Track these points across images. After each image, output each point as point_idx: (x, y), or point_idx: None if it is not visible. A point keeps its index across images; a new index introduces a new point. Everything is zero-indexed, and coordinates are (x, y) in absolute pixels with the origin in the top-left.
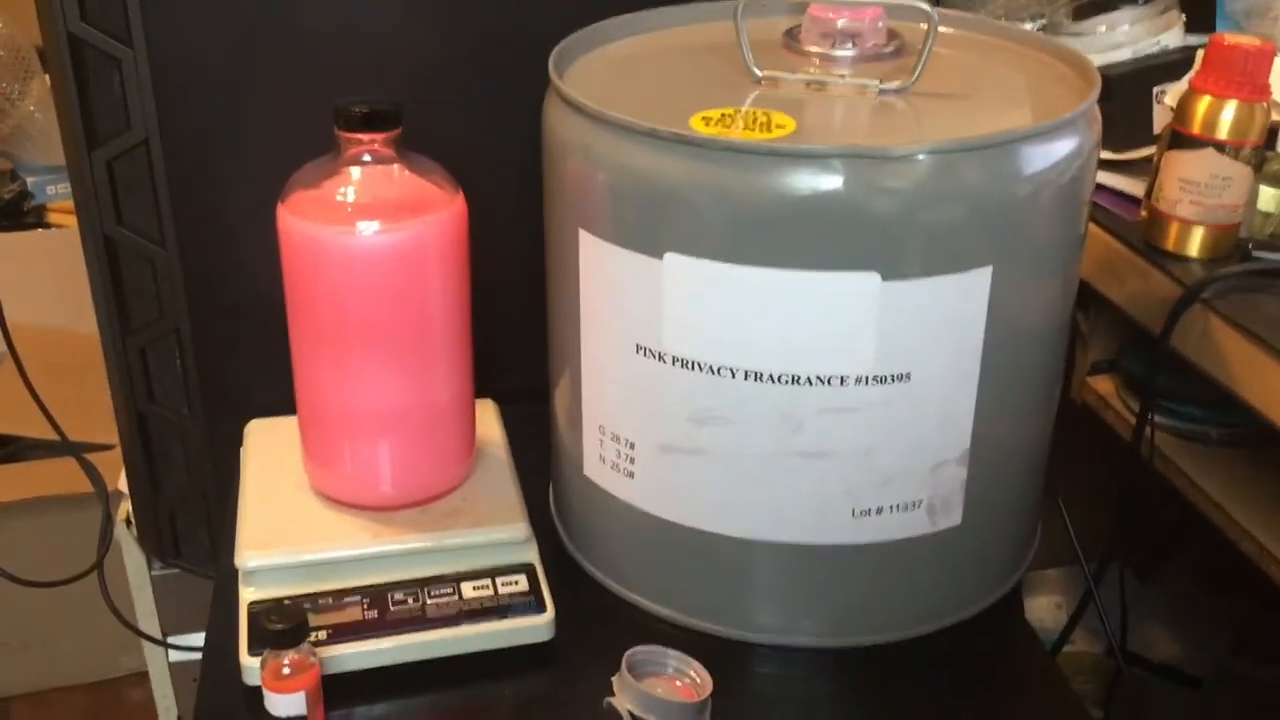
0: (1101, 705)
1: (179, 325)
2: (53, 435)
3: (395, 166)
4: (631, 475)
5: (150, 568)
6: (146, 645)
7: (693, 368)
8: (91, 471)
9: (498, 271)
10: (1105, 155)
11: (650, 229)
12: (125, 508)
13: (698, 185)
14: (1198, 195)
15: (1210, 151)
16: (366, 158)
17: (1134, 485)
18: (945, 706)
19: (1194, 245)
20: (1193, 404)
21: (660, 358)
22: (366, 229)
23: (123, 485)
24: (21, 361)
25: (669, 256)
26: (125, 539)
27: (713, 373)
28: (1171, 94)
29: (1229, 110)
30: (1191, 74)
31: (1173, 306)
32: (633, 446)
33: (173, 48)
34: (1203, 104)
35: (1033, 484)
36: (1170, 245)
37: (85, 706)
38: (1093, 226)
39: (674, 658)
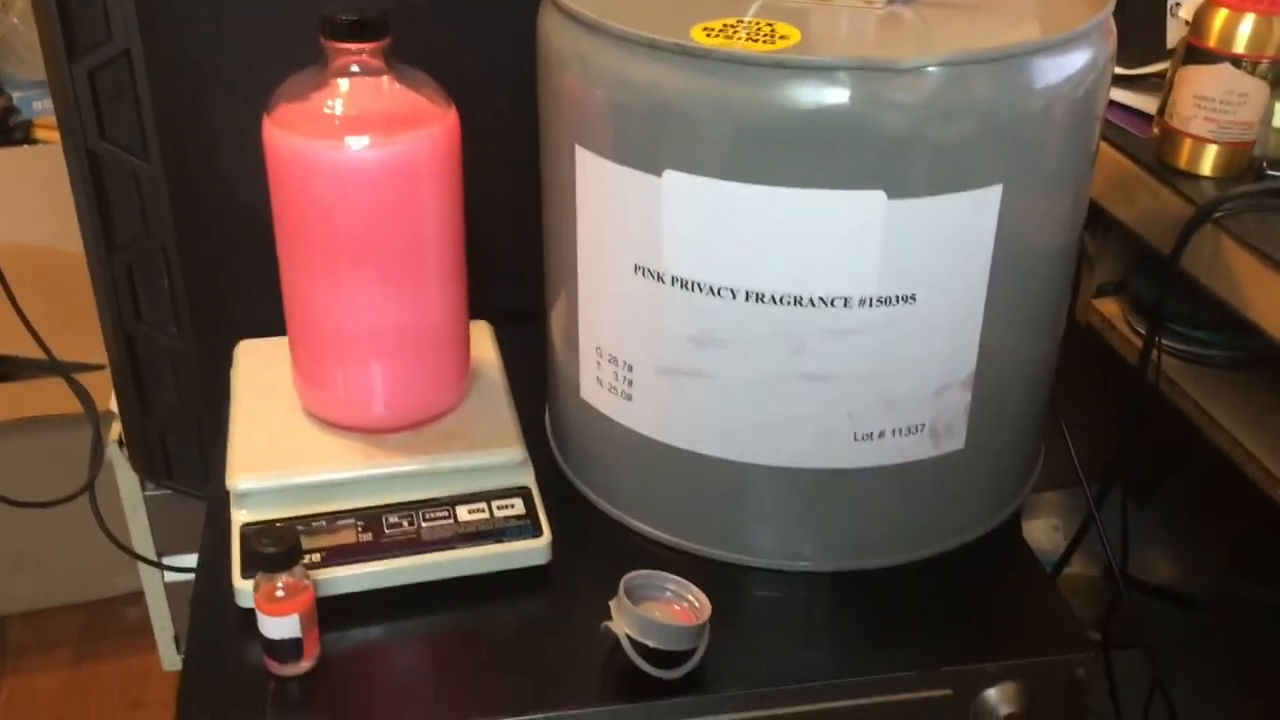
0: (1099, 628)
1: (165, 243)
2: (43, 355)
3: (384, 78)
4: (629, 398)
5: (144, 488)
6: (142, 565)
7: (692, 288)
8: (81, 392)
9: (491, 189)
10: (1118, 70)
11: (649, 145)
12: (117, 428)
13: (698, 99)
14: (1212, 112)
15: (1226, 66)
16: (355, 69)
17: (1138, 408)
18: (945, 630)
19: (1207, 163)
20: (1200, 326)
21: (659, 278)
22: (355, 144)
23: (114, 406)
24: (8, 281)
25: (668, 174)
26: (117, 459)
27: (713, 293)
28: (1187, 6)
29: (1247, 23)
30: None
31: (1184, 226)
32: (631, 368)
33: None
34: (1219, 17)
35: (1036, 407)
36: (1182, 163)
37: (81, 626)
38: (1103, 144)
39: (672, 582)
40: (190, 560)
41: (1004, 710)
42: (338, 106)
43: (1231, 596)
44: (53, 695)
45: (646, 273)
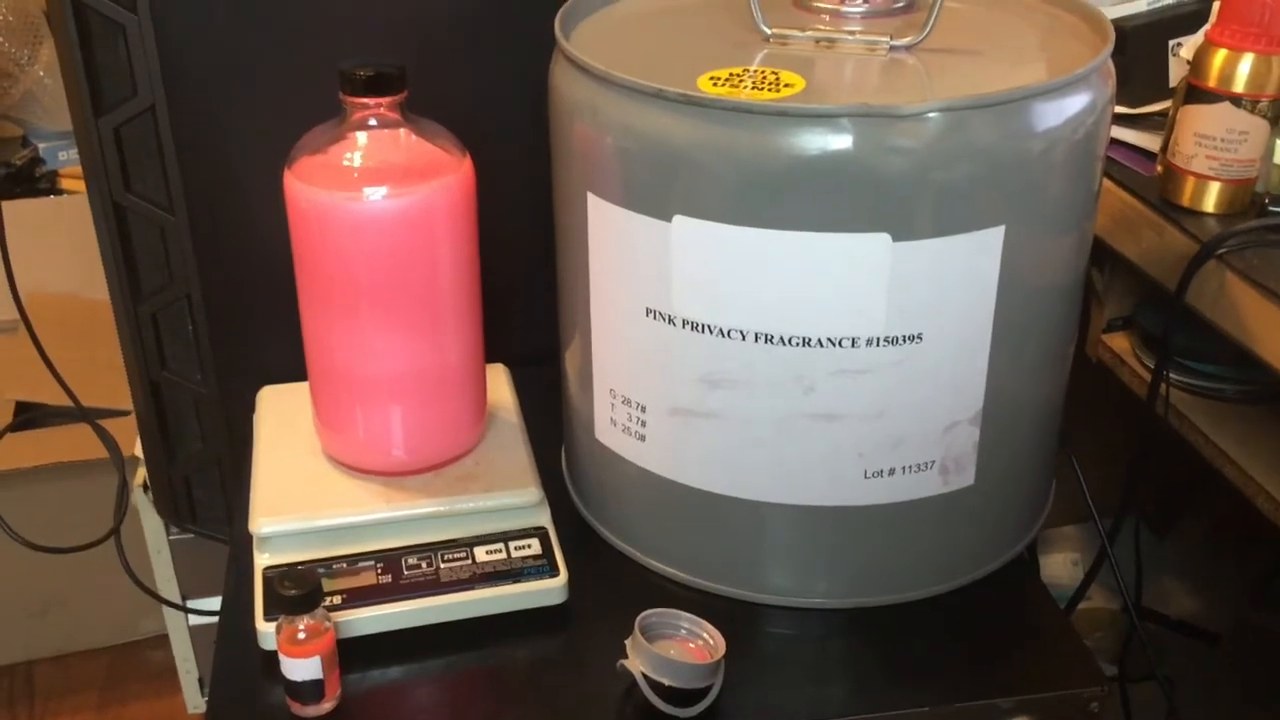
0: (1117, 661)
1: (190, 292)
2: (69, 402)
3: (402, 130)
4: (643, 438)
5: (168, 532)
6: (166, 609)
7: (703, 330)
8: (106, 438)
9: (507, 235)
10: (1120, 110)
11: (658, 191)
12: (142, 473)
13: (706, 146)
14: (1214, 150)
15: (1226, 105)
16: (372, 122)
17: (1149, 442)
18: (959, 666)
19: (1210, 201)
20: (1209, 361)
21: (670, 320)
22: (374, 194)
23: (139, 451)
24: (35, 329)
25: (678, 219)
26: (143, 504)
27: (723, 335)
28: (1187, 47)
29: (1246, 63)
30: (1208, 26)
31: (1188, 263)
32: (644, 409)
33: (176, 12)
34: (1219, 57)
35: (1046, 443)
36: (1186, 201)
37: (107, 669)
38: (1107, 182)
39: (686, 620)
40: (214, 603)
41: None
42: (356, 159)
43: (1249, 629)
44: None
45: (657, 315)
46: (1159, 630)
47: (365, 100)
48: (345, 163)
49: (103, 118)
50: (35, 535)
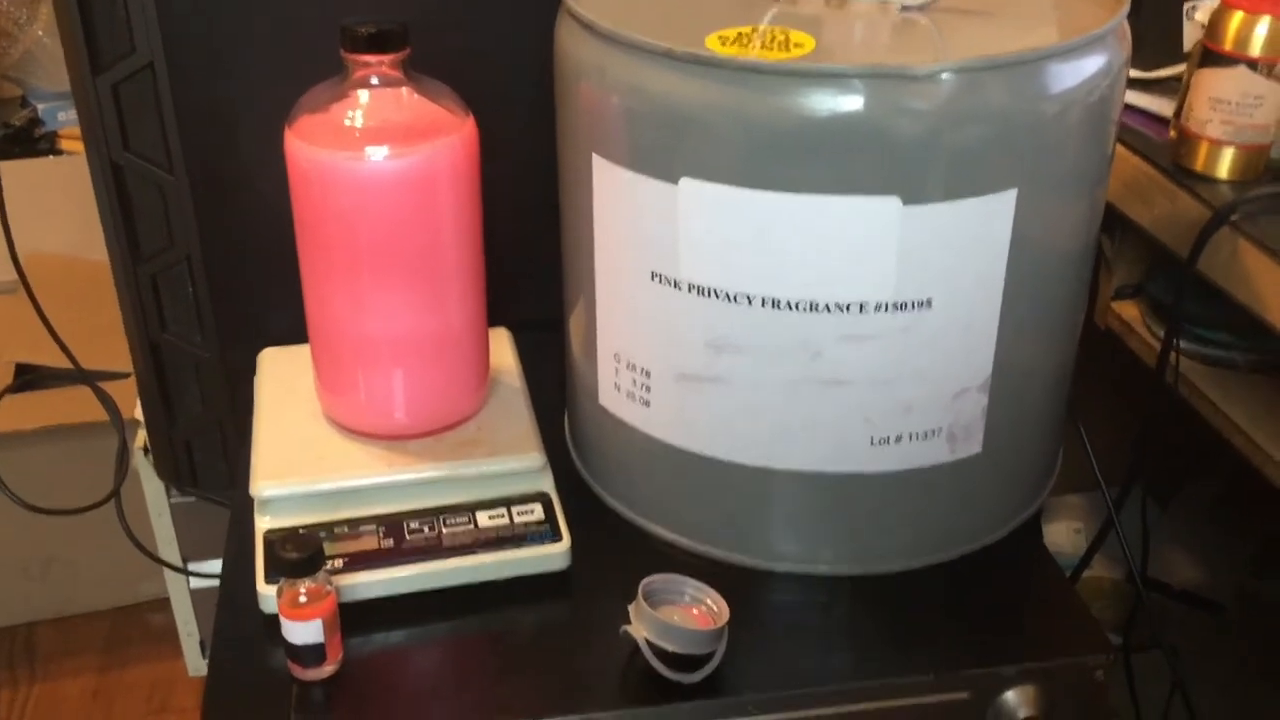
0: (1119, 630)
1: (189, 253)
2: (69, 364)
3: (404, 89)
4: (647, 404)
5: (169, 495)
6: (167, 571)
7: (709, 295)
8: (107, 401)
9: (510, 197)
10: (1134, 74)
11: (665, 153)
12: (143, 436)
13: (714, 107)
14: (1228, 114)
15: (1242, 69)
16: (374, 80)
17: (1157, 411)
18: (964, 633)
19: (1224, 166)
20: (1219, 329)
21: (676, 285)
22: (375, 154)
23: (139, 414)
24: (34, 291)
25: (684, 181)
26: (144, 467)
27: (729, 300)
28: (1203, 10)
29: (1262, 26)
30: None
31: (1200, 229)
32: (648, 375)
33: None
34: (1235, 20)
35: (1054, 411)
36: (1199, 166)
37: (108, 631)
38: (1119, 147)
39: (690, 586)
40: (215, 566)
41: (1022, 713)
42: (358, 118)
43: (1254, 599)
44: (80, 701)
45: (663, 280)
46: (1163, 600)
47: (367, 58)
48: (347, 122)
49: (100, 75)
50: (35, 497)
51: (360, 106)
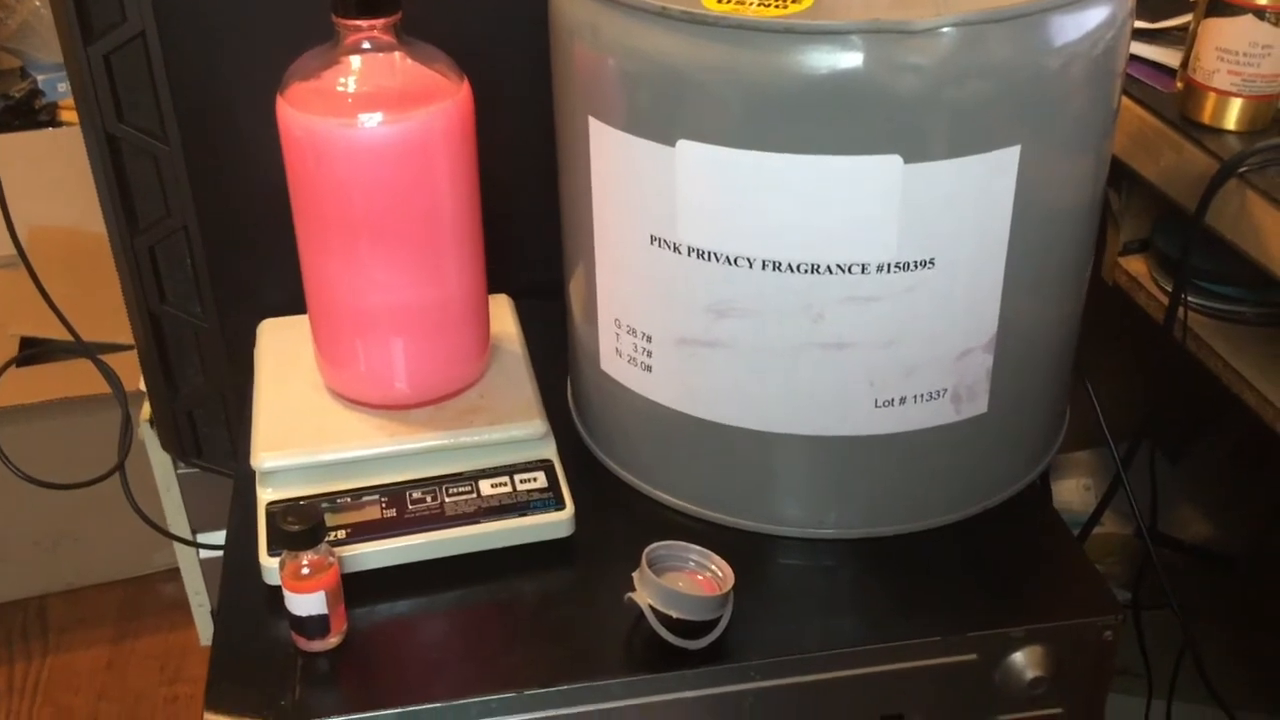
0: (1130, 587)
1: (186, 223)
2: (70, 337)
3: (396, 54)
4: (649, 369)
5: (176, 467)
6: (176, 542)
7: (709, 258)
8: (109, 373)
9: (507, 162)
10: (1139, 24)
11: (662, 115)
12: (147, 408)
13: (710, 67)
14: (1236, 65)
15: (1249, 18)
16: (366, 45)
17: (1165, 366)
18: (971, 595)
19: (1231, 118)
20: (1228, 283)
21: (676, 249)
22: (369, 121)
23: (143, 386)
24: (35, 264)
25: (682, 143)
26: (149, 439)
27: (730, 263)
28: None
29: None
30: None
31: (1208, 182)
32: (650, 340)
33: None
34: None
35: (1060, 369)
36: (1206, 118)
37: (119, 602)
38: (1125, 100)
39: (695, 552)
40: (223, 537)
41: (1030, 674)
42: (350, 84)
43: (1265, 554)
44: (94, 671)
45: (663, 244)
46: (1173, 556)
47: (358, 22)
48: (339, 88)
49: (92, 45)
50: (41, 471)
51: (353, 72)
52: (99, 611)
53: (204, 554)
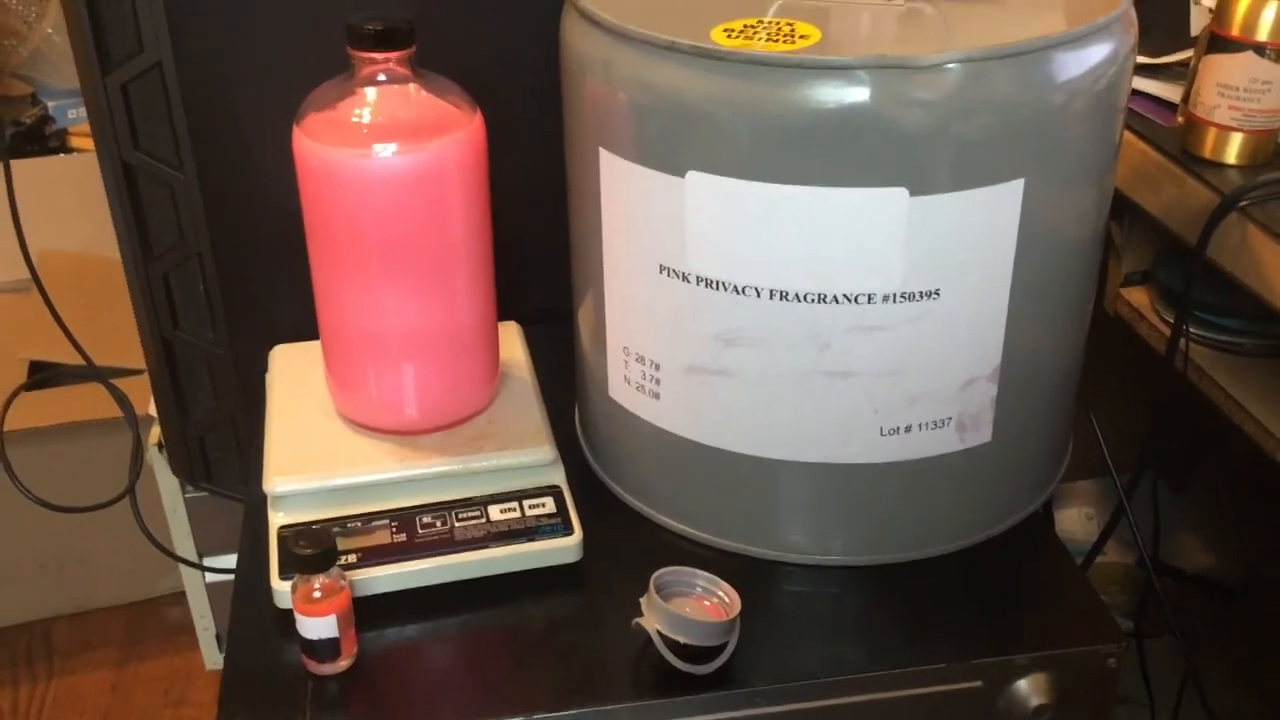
0: (1131, 615)
1: (200, 250)
2: (82, 361)
3: (411, 86)
4: (657, 396)
5: (184, 491)
6: (184, 566)
7: (717, 288)
8: (120, 397)
9: (518, 192)
10: (1141, 60)
11: (672, 147)
12: (157, 432)
13: (720, 100)
14: (1236, 100)
15: (1250, 54)
16: (381, 77)
17: (1167, 397)
18: (975, 622)
19: (1232, 152)
20: (1229, 315)
21: (684, 278)
22: (383, 151)
23: (153, 410)
24: (46, 288)
25: (691, 175)
26: (158, 462)
27: (738, 292)
28: None
29: (1270, 11)
30: None
31: (1209, 215)
32: (658, 368)
33: None
34: (1242, 5)
35: (1064, 399)
36: (1207, 152)
37: (125, 626)
38: (1127, 134)
39: (702, 578)
40: (231, 561)
41: (1034, 701)
42: (365, 115)
43: (1266, 582)
44: (98, 695)
45: (671, 273)
46: (1175, 585)
47: (374, 55)
48: (354, 119)
49: (109, 75)
50: (51, 494)
51: (368, 104)
52: (104, 635)
53: (210, 578)
